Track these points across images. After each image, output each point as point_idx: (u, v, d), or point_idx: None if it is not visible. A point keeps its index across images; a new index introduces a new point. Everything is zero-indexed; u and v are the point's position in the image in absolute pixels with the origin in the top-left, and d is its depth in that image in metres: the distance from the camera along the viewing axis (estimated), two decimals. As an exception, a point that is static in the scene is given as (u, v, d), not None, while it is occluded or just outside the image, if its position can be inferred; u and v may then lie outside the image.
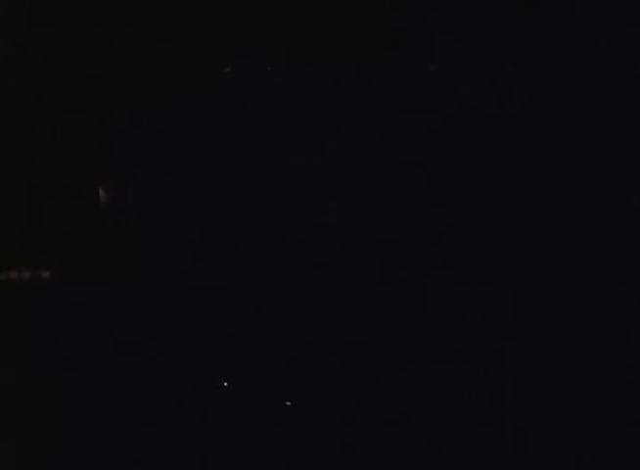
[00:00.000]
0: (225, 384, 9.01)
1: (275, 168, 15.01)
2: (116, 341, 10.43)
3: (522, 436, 6.46)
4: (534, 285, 8.20)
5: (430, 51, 12.88)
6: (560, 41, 10.52)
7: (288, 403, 7.86)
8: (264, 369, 8.01)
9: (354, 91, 14.60)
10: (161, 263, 11.94)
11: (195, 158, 15.02)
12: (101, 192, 13.15)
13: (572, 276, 8.27)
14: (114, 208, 13.95)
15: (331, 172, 14.56)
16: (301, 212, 14.84)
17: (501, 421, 6.55)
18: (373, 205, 11.53)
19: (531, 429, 6.54)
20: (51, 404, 7.70)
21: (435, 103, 11.94)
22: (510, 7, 9.77)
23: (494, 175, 11.34)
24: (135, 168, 14.57)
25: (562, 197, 11.09)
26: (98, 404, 8.35)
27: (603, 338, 7.17)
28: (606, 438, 6.40)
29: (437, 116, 12.15)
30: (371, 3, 12.36)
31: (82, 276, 12.34)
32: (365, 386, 7.11)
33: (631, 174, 10.79)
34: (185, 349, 11.19)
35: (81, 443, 6.89)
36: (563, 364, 6.88)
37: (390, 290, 8.60)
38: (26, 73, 13.41)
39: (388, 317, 8.68)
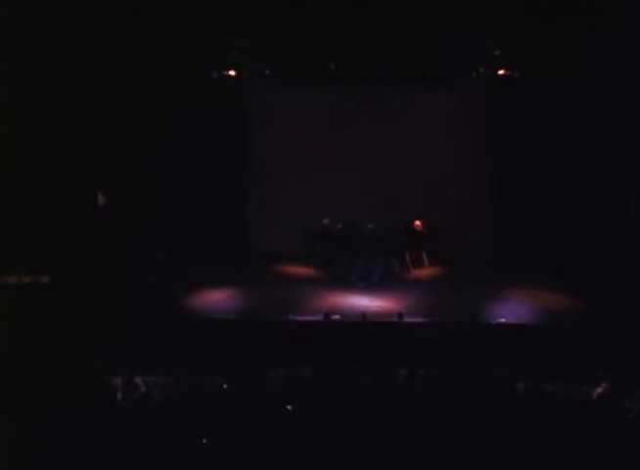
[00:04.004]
0: (225, 386, 8.88)
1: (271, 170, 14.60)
2: (114, 346, 10.19)
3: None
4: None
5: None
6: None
7: (288, 407, 7.79)
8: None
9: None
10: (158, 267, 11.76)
11: (193, 160, 14.72)
12: (100, 197, 13.04)
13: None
14: (113, 212, 13.74)
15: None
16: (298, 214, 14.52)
17: None
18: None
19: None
20: (51, 403, 7.65)
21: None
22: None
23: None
24: (133, 174, 14.32)
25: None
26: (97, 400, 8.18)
27: None
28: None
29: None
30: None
31: (81, 280, 12.18)
32: None
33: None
34: (181, 350, 10.93)
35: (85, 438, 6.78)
36: None
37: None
38: (25, 78, 13.11)
39: None
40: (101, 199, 15.15)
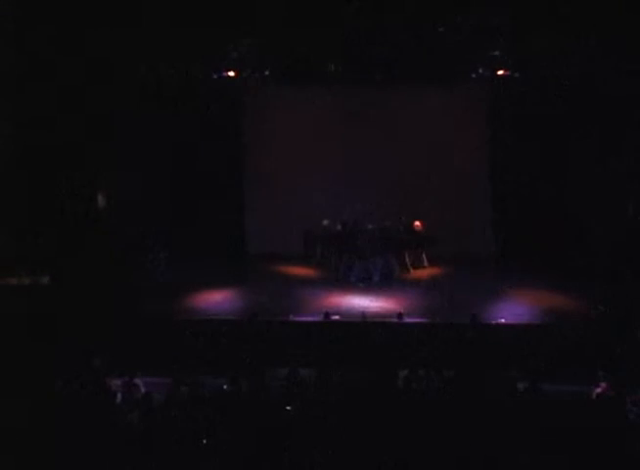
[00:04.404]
0: (225, 387, 8.85)
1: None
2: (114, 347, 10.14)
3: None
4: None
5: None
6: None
7: (288, 408, 7.78)
8: None
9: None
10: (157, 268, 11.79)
11: (192, 162, 14.72)
12: (99, 198, 13.06)
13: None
14: (113, 214, 13.73)
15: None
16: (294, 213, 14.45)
17: None
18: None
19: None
20: (51, 404, 7.64)
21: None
22: None
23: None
24: (133, 176, 14.31)
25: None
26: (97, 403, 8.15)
27: None
28: None
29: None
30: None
31: (81, 281, 12.16)
32: None
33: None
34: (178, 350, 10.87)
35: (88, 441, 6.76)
36: None
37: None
38: (24, 83, 13.04)
39: None
40: (101, 200, 15.15)
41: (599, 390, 9.00)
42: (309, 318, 12.20)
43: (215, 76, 15.00)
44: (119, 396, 9.19)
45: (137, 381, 9.42)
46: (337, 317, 12.17)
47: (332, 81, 15.43)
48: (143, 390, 9.23)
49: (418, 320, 12.08)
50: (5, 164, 13.48)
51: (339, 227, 15.55)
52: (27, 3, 12.73)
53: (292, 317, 12.20)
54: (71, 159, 14.21)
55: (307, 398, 8.34)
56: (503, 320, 12.03)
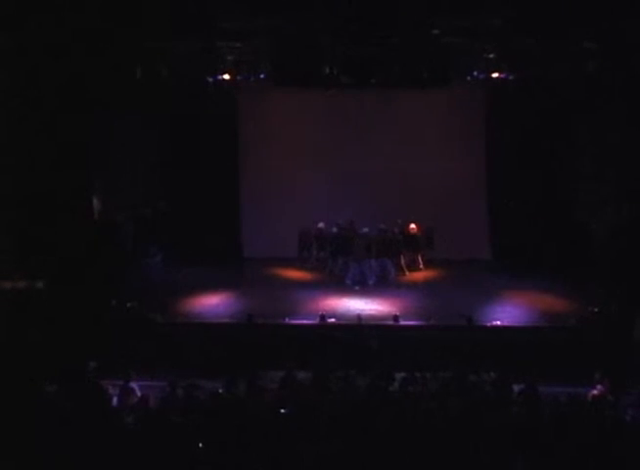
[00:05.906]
0: (220, 390, 8.81)
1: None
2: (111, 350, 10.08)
3: None
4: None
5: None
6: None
7: (283, 411, 7.78)
8: None
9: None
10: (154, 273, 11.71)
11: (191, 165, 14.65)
12: (95, 202, 13.01)
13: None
14: (110, 218, 13.66)
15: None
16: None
17: None
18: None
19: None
20: (46, 408, 7.61)
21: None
22: None
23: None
24: (130, 177, 14.26)
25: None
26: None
27: None
28: None
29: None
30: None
31: (77, 285, 12.09)
32: None
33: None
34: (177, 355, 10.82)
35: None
36: None
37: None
38: (21, 87, 13.00)
39: None
40: (97, 204, 15.10)
41: (595, 392, 9.01)
42: (305, 321, 12.21)
43: (210, 79, 14.98)
44: (115, 399, 9.18)
45: (133, 384, 9.40)
46: (332, 320, 12.21)
47: (327, 84, 15.42)
48: (139, 393, 9.21)
49: (414, 323, 12.13)
50: (2, 166, 13.43)
51: (334, 230, 15.56)
52: (27, 3, 12.70)
53: (287, 320, 12.27)
54: (68, 160, 14.16)
55: (303, 400, 8.34)
56: (499, 322, 12.13)
